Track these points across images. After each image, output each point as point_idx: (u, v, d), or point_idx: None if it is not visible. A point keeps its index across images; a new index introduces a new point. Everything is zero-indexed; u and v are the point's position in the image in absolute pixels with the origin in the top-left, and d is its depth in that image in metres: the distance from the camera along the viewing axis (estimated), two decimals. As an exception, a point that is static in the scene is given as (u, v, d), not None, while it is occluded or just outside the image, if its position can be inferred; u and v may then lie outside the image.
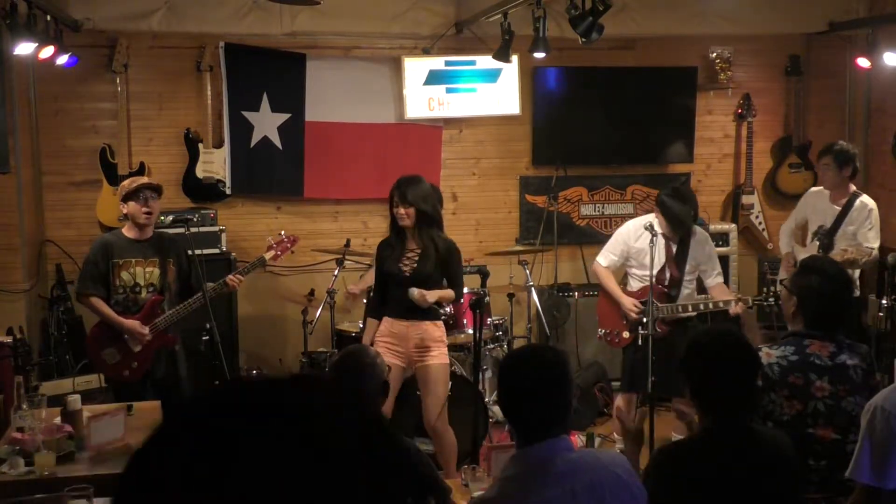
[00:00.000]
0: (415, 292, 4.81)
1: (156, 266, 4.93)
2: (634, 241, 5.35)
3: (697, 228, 5.38)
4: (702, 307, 5.34)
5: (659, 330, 5.26)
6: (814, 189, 6.18)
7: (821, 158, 5.93)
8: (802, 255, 5.92)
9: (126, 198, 4.85)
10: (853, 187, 5.88)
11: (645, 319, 5.16)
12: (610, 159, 7.36)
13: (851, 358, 3.31)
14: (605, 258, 5.45)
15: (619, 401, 5.48)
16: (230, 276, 5.10)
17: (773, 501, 2.76)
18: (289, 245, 5.34)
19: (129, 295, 4.89)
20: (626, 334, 5.35)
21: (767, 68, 7.59)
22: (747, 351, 2.84)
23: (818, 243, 5.87)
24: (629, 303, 5.30)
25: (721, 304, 5.26)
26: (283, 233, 5.53)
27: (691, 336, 2.95)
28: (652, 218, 5.38)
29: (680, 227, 5.23)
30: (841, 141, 6.08)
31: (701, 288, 5.44)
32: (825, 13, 7.20)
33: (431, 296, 4.86)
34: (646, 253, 5.24)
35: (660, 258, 5.32)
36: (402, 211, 4.85)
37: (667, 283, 5.31)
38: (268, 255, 5.26)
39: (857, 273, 5.86)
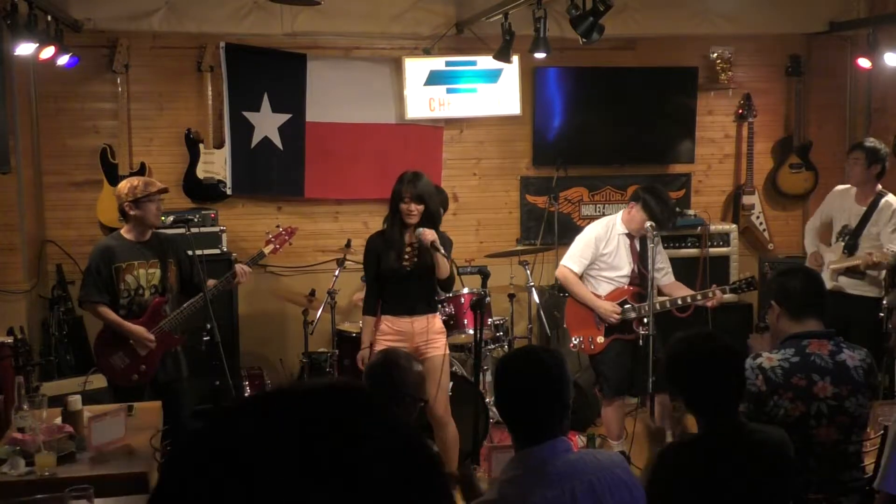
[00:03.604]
0: (426, 232, 4.80)
1: (157, 267, 4.92)
2: (604, 245, 5.35)
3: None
4: (679, 302, 5.37)
5: (636, 330, 5.29)
6: (840, 187, 6.05)
7: (851, 153, 5.84)
8: (828, 254, 5.84)
9: (139, 201, 4.82)
10: (879, 186, 5.77)
11: (646, 320, 5.17)
12: (611, 160, 7.36)
13: (852, 358, 3.32)
14: (577, 264, 5.38)
15: (608, 410, 5.45)
16: (238, 266, 5.10)
17: (774, 495, 2.77)
18: (287, 237, 5.33)
19: (134, 298, 4.87)
20: (600, 339, 5.35)
21: (768, 68, 7.58)
22: (728, 349, 2.87)
23: (843, 244, 5.78)
24: (609, 307, 5.28)
25: (699, 298, 5.31)
26: (279, 225, 5.54)
27: (671, 347, 2.96)
28: (616, 220, 5.39)
29: (662, 227, 5.27)
30: (872, 138, 5.95)
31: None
32: (826, 13, 7.20)
33: (435, 240, 4.82)
34: (615, 256, 5.29)
35: (629, 258, 5.34)
36: (412, 207, 4.86)
37: (638, 282, 5.34)
38: (267, 249, 5.25)
39: (882, 274, 5.69)
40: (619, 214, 5.46)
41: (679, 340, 2.95)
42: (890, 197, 5.73)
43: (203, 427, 0.80)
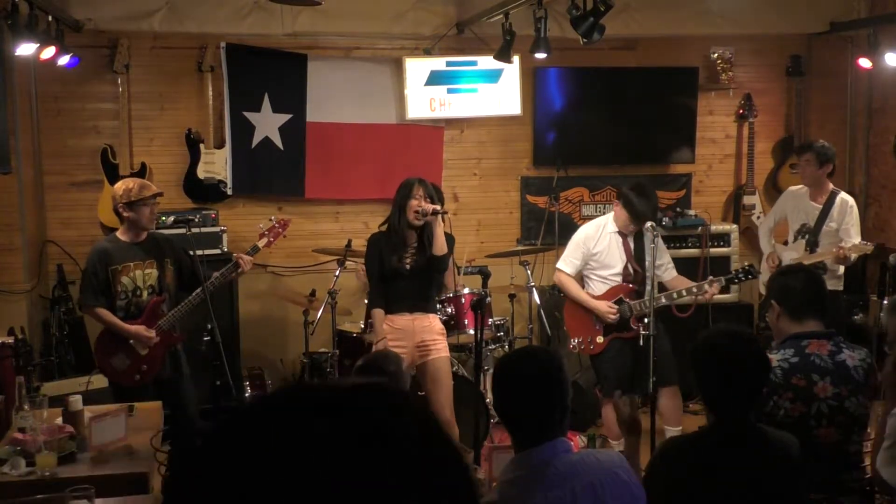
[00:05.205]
0: (427, 205, 4.93)
1: (153, 267, 4.93)
2: (594, 244, 5.41)
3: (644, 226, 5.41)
4: (675, 296, 5.39)
5: (634, 327, 5.31)
6: (792, 188, 6.33)
7: (802, 154, 6.15)
8: (786, 253, 6.10)
9: (133, 204, 4.83)
10: (831, 185, 6.05)
11: (647, 320, 5.18)
12: (611, 160, 7.36)
13: (852, 358, 3.32)
14: (569, 265, 5.47)
15: (607, 409, 5.48)
16: (238, 255, 5.10)
17: (774, 500, 2.76)
18: (280, 230, 5.34)
19: (132, 299, 4.89)
20: (599, 339, 5.39)
21: (768, 68, 7.58)
22: (760, 353, 2.84)
23: (804, 242, 6.04)
24: (604, 307, 5.31)
25: (695, 290, 5.34)
26: (273, 218, 5.54)
27: (705, 334, 2.93)
28: (608, 219, 5.45)
29: (641, 221, 5.29)
30: (821, 140, 6.23)
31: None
32: (826, 13, 7.20)
33: (437, 207, 4.97)
34: (606, 254, 5.33)
35: (621, 256, 5.38)
36: (424, 206, 4.93)
37: (633, 279, 5.37)
38: (261, 243, 5.26)
39: (841, 269, 5.99)
40: (612, 213, 5.52)
41: (705, 334, 2.93)
42: (844, 194, 6.04)
43: (226, 424, 0.81)
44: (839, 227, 5.94)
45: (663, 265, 5.50)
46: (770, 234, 6.38)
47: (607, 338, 5.39)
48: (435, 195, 5.09)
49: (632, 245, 5.41)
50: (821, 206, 5.99)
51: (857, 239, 5.87)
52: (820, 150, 5.96)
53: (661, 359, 5.13)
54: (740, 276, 5.39)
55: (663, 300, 5.39)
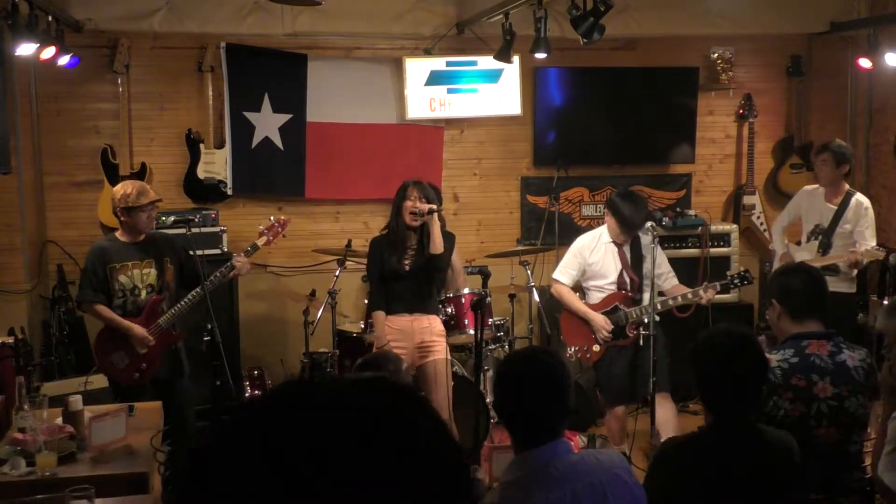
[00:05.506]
0: (424, 206, 4.99)
1: (152, 266, 4.95)
2: (590, 254, 5.42)
3: (639, 234, 5.39)
4: (671, 302, 5.37)
5: (630, 335, 5.30)
6: (808, 187, 6.26)
7: (819, 154, 6.04)
8: (799, 254, 6.02)
9: (131, 210, 4.85)
10: (847, 186, 5.99)
11: (647, 320, 5.18)
12: (611, 160, 7.36)
13: (852, 358, 3.32)
14: (566, 276, 5.47)
15: (610, 418, 5.47)
16: (237, 259, 5.10)
17: (774, 500, 2.76)
18: (280, 229, 5.36)
19: (129, 297, 4.91)
20: (596, 348, 5.39)
21: (769, 68, 7.58)
22: (760, 353, 2.84)
23: (817, 243, 5.97)
24: (600, 321, 5.31)
25: (690, 296, 5.33)
26: (272, 217, 5.55)
27: (705, 334, 2.93)
28: (604, 229, 5.45)
29: (630, 228, 5.29)
30: (838, 139, 6.16)
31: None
32: (826, 13, 7.20)
33: (432, 206, 5.02)
34: (601, 264, 5.33)
35: (616, 265, 5.37)
36: (419, 206, 4.97)
37: (628, 287, 5.36)
38: (260, 242, 5.27)
39: (854, 272, 5.92)
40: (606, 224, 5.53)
41: (705, 334, 2.93)
42: (859, 195, 5.95)
43: (236, 419, 0.82)
44: (853, 229, 5.85)
45: (662, 274, 5.46)
46: (784, 234, 6.31)
47: (604, 346, 5.38)
48: (433, 195, 5.10)
49: (628, 255, 5.40)
50: (835, 207, 5.90)
51: (871, 241, 5.80)
52: (837, 151, 5.88)
53: (657, 363, 5.12)
54: (735, 281, 5.38)
55: (658, 306, 5.37)
